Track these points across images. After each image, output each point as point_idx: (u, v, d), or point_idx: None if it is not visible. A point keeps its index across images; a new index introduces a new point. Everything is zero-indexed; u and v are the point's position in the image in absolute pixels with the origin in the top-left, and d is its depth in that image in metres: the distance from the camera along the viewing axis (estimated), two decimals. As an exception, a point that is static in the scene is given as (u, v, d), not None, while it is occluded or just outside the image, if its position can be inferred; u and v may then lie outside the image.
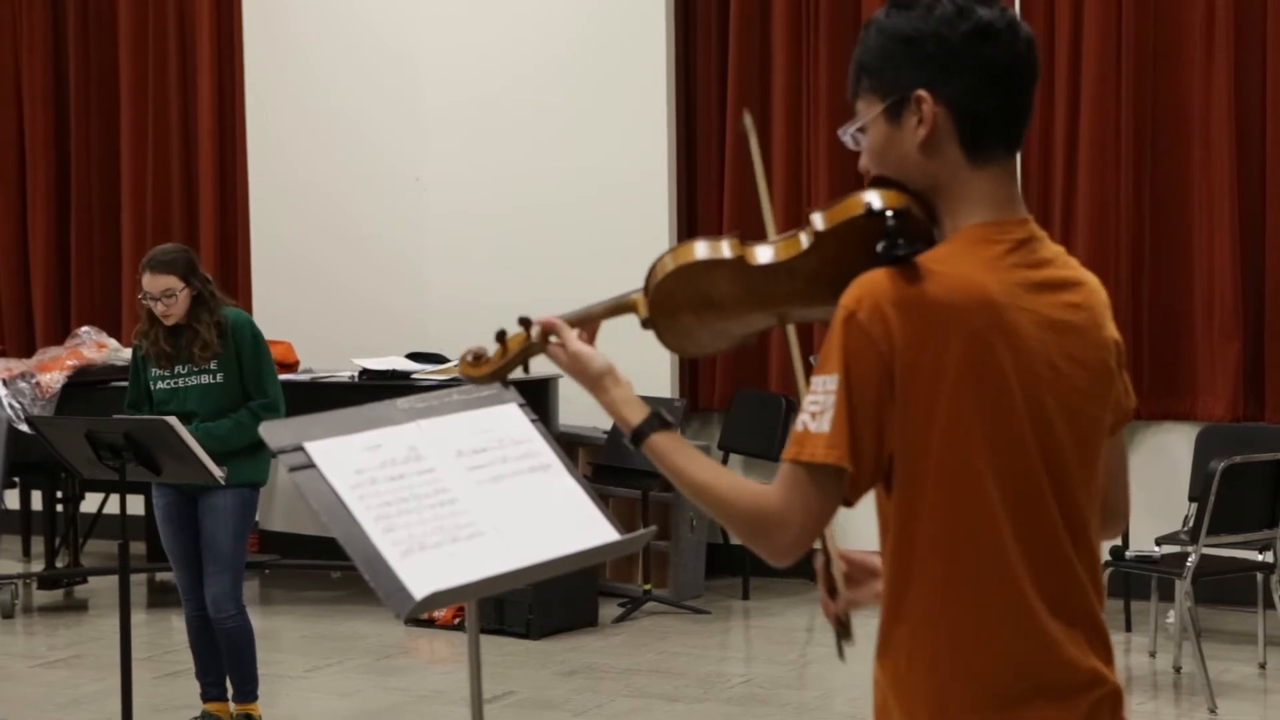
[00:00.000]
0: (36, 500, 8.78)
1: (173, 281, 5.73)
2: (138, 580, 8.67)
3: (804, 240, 2.20)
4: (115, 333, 9.02)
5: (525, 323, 2.43)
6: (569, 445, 7.99)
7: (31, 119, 10.18)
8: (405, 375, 8.06)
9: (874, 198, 2.16)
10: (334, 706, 6.55)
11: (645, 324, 2.33)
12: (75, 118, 10.13)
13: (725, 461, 8.64)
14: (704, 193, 8.78)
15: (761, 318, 2.30)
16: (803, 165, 8.49)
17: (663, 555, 8.16)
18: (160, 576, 8.79)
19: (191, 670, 6.03)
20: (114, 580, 6.46)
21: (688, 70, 8.76)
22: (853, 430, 2.07)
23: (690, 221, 8.75)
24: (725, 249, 2.25)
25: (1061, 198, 7.81)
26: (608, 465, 7.94)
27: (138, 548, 8.27)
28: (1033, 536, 2.11)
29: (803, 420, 2.10)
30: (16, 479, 8.41)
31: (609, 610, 7.83)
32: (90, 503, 8.74)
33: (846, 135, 2.22)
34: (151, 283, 5.75)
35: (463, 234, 8.99)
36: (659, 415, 2.27)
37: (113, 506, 7.02)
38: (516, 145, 8.85)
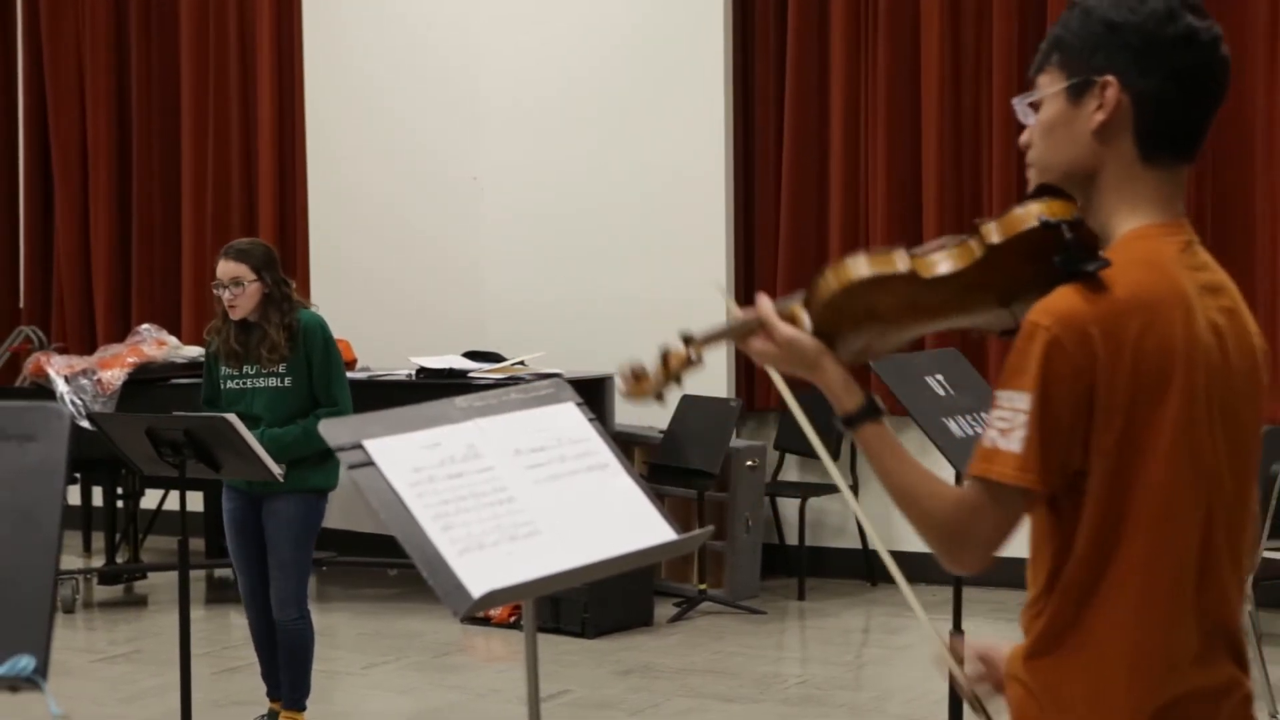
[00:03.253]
0: (97, 496, 8.87)
1: (243, 271, 5.66)
2: (197, 576, 8.73)
3: (977, 251, 2.22)
4: (175, 330, 9.10)
5: (687, 340, 2.42)
6: (625, 444, 7.99)
7: (94, 119, 10.27)
8: (462, 374, 8.09)
9: (1042, 209, 2.18)
10: (391, 704, 6.58)
11: None
12: (137, 118, 10.21)
13: (781, 461, 8.65)
14: (761, 193, 8.75)
15: (919, 327, 2.33)
16: (860, 164, 8.46)
17: (718, 555, 8.15)
18: (219, 573, 8.85)
19: (250, 666, 6.06)
20: (174, 576, 6.50)
21: (745, 70, 8.74)
22: (1045, 453, 2.07)
23: (748, 222, 8.74)
24: (899, 263, 2.25)
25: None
26: (664, 465, 7.94)
27: (197, 544, 8.34)
28: (1208, 547, 2.12)
29: (991, 436, 2.10)
30: (77, 475, 8.49)
31: (664, 610, 7.83)
32: (150, 499, 8.81)
33: (1020, 105, 2.23)
34: (224, 269, 5.69)
35: (519, 234, 9.01)
36: (875, 404, 2.25)
37: (173, 503, 7.07)
38: (573, 146, 8.86)
